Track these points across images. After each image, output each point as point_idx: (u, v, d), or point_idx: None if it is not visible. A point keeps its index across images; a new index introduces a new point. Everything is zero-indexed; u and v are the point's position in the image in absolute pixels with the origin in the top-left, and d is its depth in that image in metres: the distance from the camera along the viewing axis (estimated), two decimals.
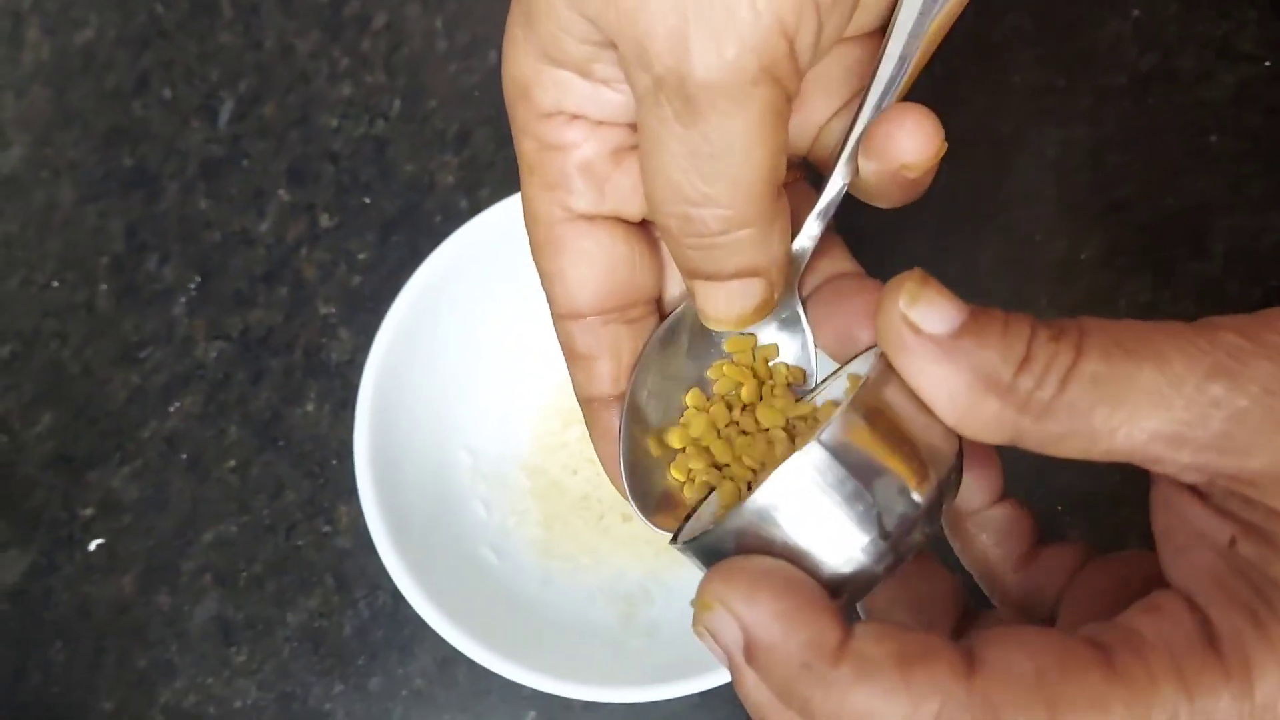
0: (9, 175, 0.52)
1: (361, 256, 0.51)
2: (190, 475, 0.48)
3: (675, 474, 0.27)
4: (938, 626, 0.26)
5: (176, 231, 0.51)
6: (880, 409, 0.22)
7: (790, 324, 0.27)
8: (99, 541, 0.48)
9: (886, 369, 0.22)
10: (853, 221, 0.45)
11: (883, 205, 0.25)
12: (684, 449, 0.27)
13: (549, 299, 0.27)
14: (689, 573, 0.45)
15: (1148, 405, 0.20)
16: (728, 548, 0.23)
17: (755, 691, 0.21)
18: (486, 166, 0.52)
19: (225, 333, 0.50)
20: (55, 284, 0.51)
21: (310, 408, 0.49)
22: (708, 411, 0.27)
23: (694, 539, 0.24)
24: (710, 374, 0.28)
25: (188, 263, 0.51)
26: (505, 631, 0.40)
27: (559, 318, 0.27)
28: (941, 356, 0.21)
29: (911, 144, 0.23)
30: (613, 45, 0.23)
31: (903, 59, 0.24)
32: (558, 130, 0.25)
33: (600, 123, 0.25)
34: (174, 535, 0.48)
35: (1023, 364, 0.20)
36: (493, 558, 0.44)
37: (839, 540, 0.22)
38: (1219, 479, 0.20)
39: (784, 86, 0.22)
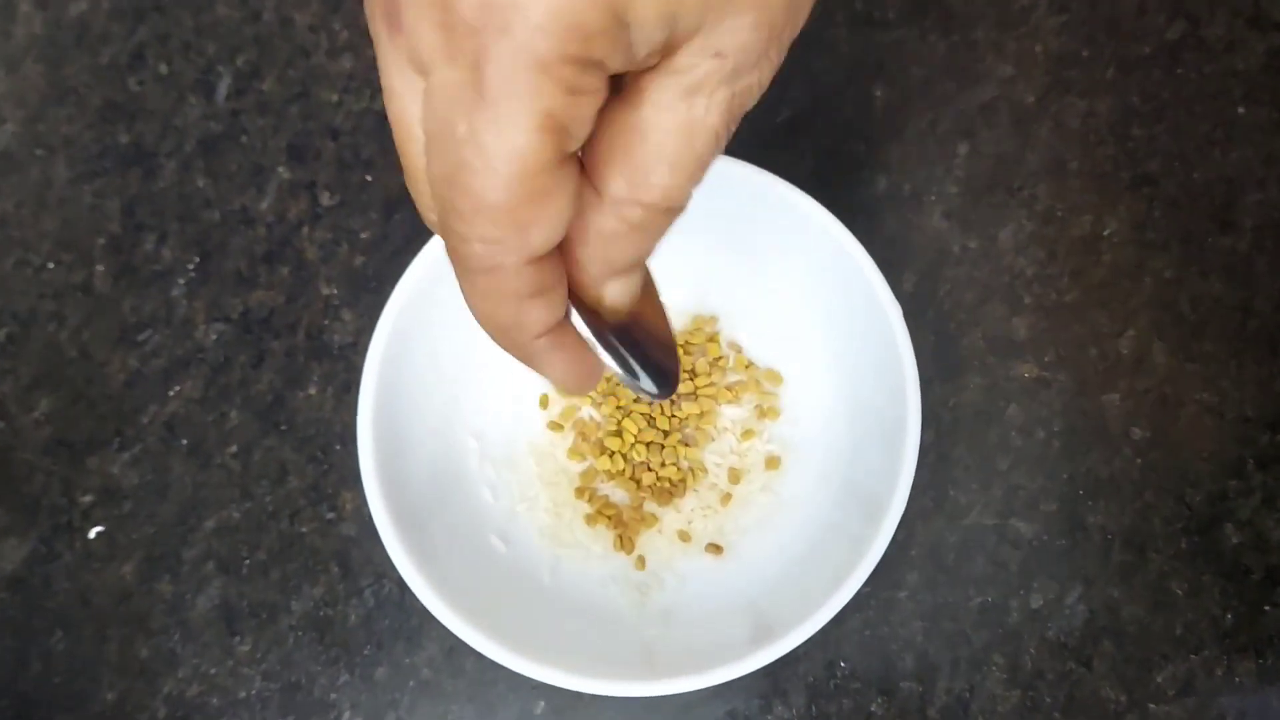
0: (2, 152, 0.51)
1: (364, 235, 0.49)
2: (191, 461, 0.47)
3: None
4: None
5: (175, 210, 0.50)
6: None
7: None
8: (99, 529, 0.47)
9: None
10: (869, 194, 0.44)
11: None
12: None
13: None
14: (702, 559, 0.44)
15: None
16: None
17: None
18: None
19: (225, 314, 0.49)
20: (51, 265, 0.50)
21: (313, 391, 0.48)
22: None
23: None
24: None
25: (186, 243, 0.50)
26: (514, 622, 0.39)
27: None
28: None
29: None
30: None
31: None
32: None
33: None
34: (175, 522, 0.47)
35: None
36: (500, 545, 0.43)
37: None
38: None
39: None
